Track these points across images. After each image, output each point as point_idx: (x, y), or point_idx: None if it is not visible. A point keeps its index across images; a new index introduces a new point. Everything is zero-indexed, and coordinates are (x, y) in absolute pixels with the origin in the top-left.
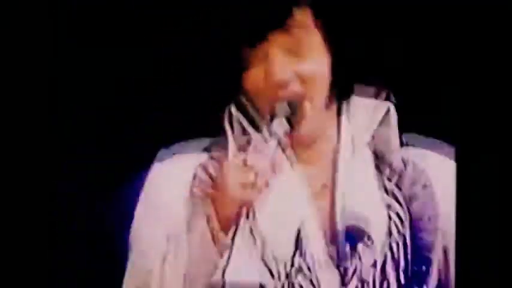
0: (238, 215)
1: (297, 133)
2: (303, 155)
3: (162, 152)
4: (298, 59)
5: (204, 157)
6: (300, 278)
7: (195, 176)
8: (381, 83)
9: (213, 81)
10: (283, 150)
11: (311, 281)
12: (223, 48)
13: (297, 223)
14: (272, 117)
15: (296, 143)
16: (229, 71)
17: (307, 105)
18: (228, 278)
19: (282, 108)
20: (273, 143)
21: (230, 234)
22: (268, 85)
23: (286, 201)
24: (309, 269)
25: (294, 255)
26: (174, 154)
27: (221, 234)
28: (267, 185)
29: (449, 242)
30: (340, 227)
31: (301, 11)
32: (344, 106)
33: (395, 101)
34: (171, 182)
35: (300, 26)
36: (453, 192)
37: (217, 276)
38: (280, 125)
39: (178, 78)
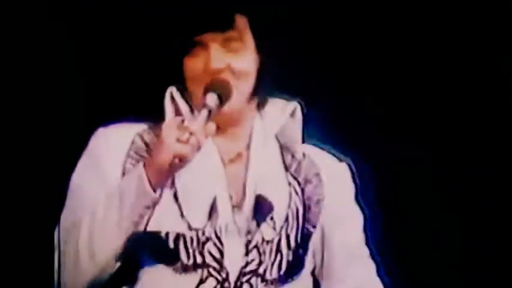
0: (168, 173)
1: (220, 111)
2: (226, 131)
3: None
4: (232, 55)
5: (142, 127)
6: (209, 244)
7: (132, 142)
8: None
9: (157, 66)
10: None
11: (218, 247)
12: (168, 39)
13: (212, 191)
14: (205, 94)
15: (220, 120)
16: (172, 58)
17: (233, 91)
18: (150, 228)
19: (214, 88)
20: (205, 112)
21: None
22: (204, 71)
23: (204, 167)
24: (217, 236)
25: (206, 225)
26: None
27: (151, 191)
28: (198, 146)
29: (327, 222)
30: (250, 195)
31: (240, 17)
32: (261, 104)
33: (304, 112)
34: (111, 144)
35: (238, 30)
36: (334, 185)
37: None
38: (212, 99)
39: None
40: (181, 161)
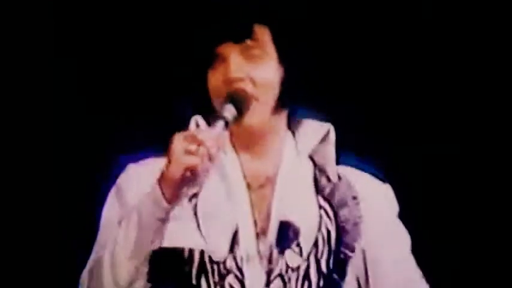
0: (182, 183)
1: (242, 124)
2: (254, 150)
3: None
4: (253, 65)
5: None
6: (230, 277)
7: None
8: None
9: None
10: (231, 137)
11: (238, 279)
12: (190, 53)
13: (235, 218)
14: (222, 105)
15: (244, 136)
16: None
17: (253, 103)
18: (167, 244)
19: (232, 99)
20: (220, 123)
21: (173, 208)
22: (224, 81)
23: (226, 193)
24: (238, 267)
25: (227, 257)
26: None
27: (166, 205)
28: (210, 156)
29: (368, 248)
30: (275, 220)
31: (260, 28)
32: (292, 123)
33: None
34: (142, 182)
35: (257, 39)
36: (376, 207)
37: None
38: (228, 110)
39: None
40: (192, 173)
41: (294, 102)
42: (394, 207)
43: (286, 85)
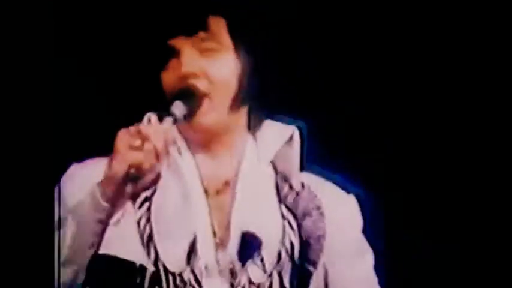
0: (125, 182)
1: (194, 123)
2: (212, 153)
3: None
4: (207, 59)
5: None
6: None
7: None
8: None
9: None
10: (185, 136)
11: None
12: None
13: (192, 227)
14: (171, 101)
15: (200, 136)
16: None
17: (206, 101)
18: (103, 251)
19: (182, 95)
20: (168, 119)
21: (115, 211)
22: (176, 77)
23: (184, 198)
24: (197, 280)
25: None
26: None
27: (105, 204)
28: (156, 153)
29: (331, 260)
30: (236, 231)
31: (215, 18)
32: (254, 124)
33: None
34: (83, 183)
35: (212, 32)
36: (339, 221)
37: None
38: (177, 106)
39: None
40: (137, 171)
41: (254, 100)
42: (358, 221)
43: (244, 81)
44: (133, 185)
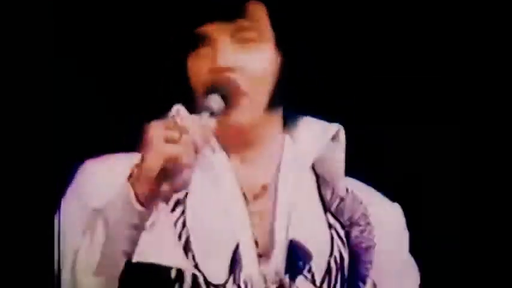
0: (160, 179)
1: (229, 121)
2: (246, 155)
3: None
4: (245, 52)
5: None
6: None
7: (131, 175)
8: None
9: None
10: (217, 136)
11: None
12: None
13: (232, 236)
14: (206, 95)
15: (234, 138)
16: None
17: (242, 97)
18: (138, 259)
19: (217, 90)
20: (205, 114)
21: (150, 213)
22: (209, 70)
23: (222, 204)
24: None
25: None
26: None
27: (140, 208)
28: (196, 147)
29: (379, 278)
30: (281, 240)
31: (256, 3)
32: (290, 122)
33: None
34: (101, 181)
35: (253, 19)
36: (387, 233)
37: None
38: (214, 100)
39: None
40: (174, 166)
41: (293, 100)
42: (405, 235)
43: (284, 78)
44: (170, 184)
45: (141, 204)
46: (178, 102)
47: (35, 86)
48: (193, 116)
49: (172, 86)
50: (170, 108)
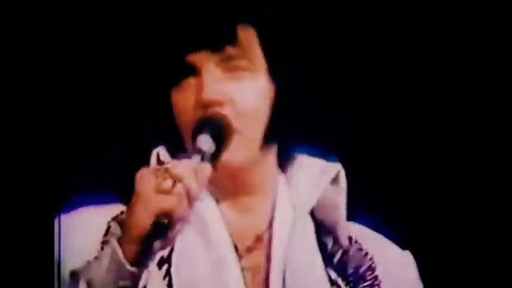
0: (153, 236)
1: (219, 162)
2: (237, 200)
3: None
4: (235, 82)
5: (118, 209)
6: None
7: (107, 231)
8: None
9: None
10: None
11: None
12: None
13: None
14: (195, 135)
15: (225, 182)
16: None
17: (233, 135)
18: None
19: (206, 127)
20: (196, 157)
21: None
22: (195, 103)
23: (211, 259)
24: None
25: None
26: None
27: (131, 268)
28: (190, 196)
29: None
30: None
31: (245, 29)
32: (285, 161)
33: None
34: (78, 239)
35: (242, 47)
36: (400, 284)
37: None
38: (205, 141)
39: None
40: (168, 219)
41: (289, 135)
42: (419, 285)
43: (278, 110)
44: (163, 239)
45: (132, 263)
46: (162, 140)
47: (34, 87)
48: (185, 161)
49: (157, 121)
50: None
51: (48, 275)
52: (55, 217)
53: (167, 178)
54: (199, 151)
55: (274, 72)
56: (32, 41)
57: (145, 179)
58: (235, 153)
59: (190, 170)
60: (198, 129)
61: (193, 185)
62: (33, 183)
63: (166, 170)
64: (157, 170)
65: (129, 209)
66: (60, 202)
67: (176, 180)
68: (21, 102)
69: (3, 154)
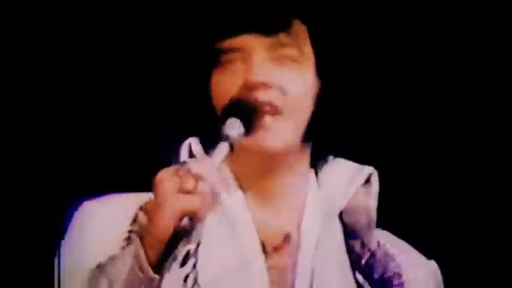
0: (176, 239)
1: (252, 146)
2: (266, 197)
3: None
4: (283, 69)
5: (146, 197)
6: None
7: (134, 220)
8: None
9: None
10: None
11: None
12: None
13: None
14: (225, 116)
15: (258, 175)
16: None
17: (276, 118)
18: None
19: (239, 110)
20: (223, 145)
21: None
22: (241, 86)
23: (237, 258)
24: None
25: None
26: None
27: (149, 268)
28: (214, 195)
29: None
30: None
31: (299, 23)
32: (317, 161)
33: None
34: (101, 224)
35: (295, 37)
36: None
37: None
38: (233, 126)
39: None
40: (192, 220)
41: (327, 137)
42: None
43: (321, 108)
44: (186, 241)
45: (155, 269)
46: (197, 125)
47: (34, 87)
48: (206, 158)
49: (193, 104)
50: (186, 131)
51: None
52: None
53: (189, 178)
54: (226, 137)
55: (321, 69)
56: (32, 41)
57: (166, 180)
58: (275, 135)
59: (213, 167)
60: (234, 109)
61: (215, 185)
62: (36, 183)
63: (188, 169)
64: (177, 170)
65: (150, 211)
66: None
67: (198, 179)
68: (21, 102)
69: (4, 153)
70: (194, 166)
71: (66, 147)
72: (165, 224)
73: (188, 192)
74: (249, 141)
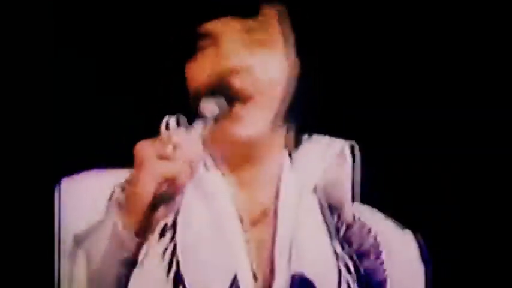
0: (156, 203)
1: (229, 134)
2: (244, 175)
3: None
4: (254, 54)
5: (124, 174)
6: None
7: (111, 197)
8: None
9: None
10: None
11: None
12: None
13: (228, 268)
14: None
15: (235, 156)
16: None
17: (247, 106)
18: None
19: (217, 93)
20: (198, 124)
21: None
22: (208, 69)
23: (216, 231)
24: None
25: None
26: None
27: (130, 236)
28: (191, 162)
29: None
30: (282, 272)
31: (269, 8)
32: (291, 140)
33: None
34: (80, 201)
35: (264, 22)
36: (403, 263)
37: None
38: (207, 106)
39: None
40: (170, 187)
41: (298, 116)
42: (420, 266)
43: (293, 89)
44: (165, 209)
45: (136, 233)
46: (176, 109)
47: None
48: (185, 129)
49: (171, 91)
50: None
51: (48, 241)
52: (55, 184)
53: (168, 145)
54: (201, 116)
55: (298, 51)
56: (32, 41)
57: (146, 147)
58: (248, 124)
59: (190, 138)
60: (208, 95)
61: (191, 153)
62: (33, 158)
63: (167, 138)
64: (158, 138)
65: (130, 179)
66: (60, 171)
67: (177, 146)
68: (21, 102)
69: (4, 153)
70: (173, 135)
71: (66, 147)
72: (145, 188)
73: (167, 158)
74: (222, 130)
